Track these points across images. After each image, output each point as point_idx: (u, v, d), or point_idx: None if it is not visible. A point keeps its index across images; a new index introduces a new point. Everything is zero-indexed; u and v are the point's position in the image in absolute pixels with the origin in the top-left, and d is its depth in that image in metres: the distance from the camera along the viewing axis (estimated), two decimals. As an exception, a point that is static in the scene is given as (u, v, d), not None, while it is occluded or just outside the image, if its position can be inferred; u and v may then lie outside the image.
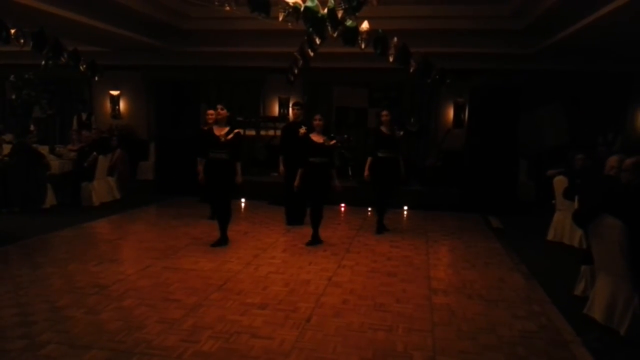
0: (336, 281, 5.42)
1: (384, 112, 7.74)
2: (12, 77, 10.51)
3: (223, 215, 6.82)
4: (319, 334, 4.04)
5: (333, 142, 6.97)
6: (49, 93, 11.42)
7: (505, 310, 4.71)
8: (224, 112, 6.57)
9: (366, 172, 7.68)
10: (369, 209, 9.92)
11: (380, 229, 7.88)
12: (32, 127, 11.13)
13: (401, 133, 7.74)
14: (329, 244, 7.04)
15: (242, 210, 9.76)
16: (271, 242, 7.09)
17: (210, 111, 7.19)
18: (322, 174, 6.89)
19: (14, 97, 10.70)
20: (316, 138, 6.90)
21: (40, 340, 3.79)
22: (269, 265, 5.95)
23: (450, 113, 12.06)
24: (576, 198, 6.25)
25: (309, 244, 6.92)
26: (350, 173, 11.33)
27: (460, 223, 8.82)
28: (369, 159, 7.68)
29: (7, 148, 9.44)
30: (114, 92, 13.29)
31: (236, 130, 6.62)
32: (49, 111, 11.67)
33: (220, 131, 6.52)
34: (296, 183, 6.96)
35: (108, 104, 13.43)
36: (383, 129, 7.66)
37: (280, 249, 6.79)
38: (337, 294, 5.00)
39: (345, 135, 10.91)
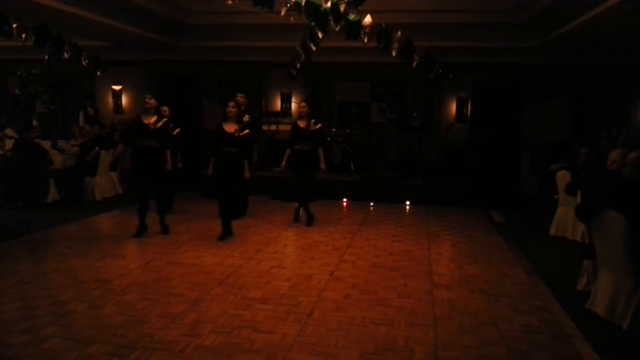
0: (338, 276, 5.43)
1: (302, 104, 7.82)
2: (19, 72, 10.52)
3: (162, 203, 7.05)
4: (321, 329, 4.05)
5: (245, 132, 6.75)
6: (51, 88, 11.43)
7: (507, 304, 4.71)
8: (152, 101, 6.78)
9: (282, 163, 7.76)
10: (371, 203, 9.94)
11: (297, 218, 7.93)
12: (34, 122, 11.15)
13: (317, 126, 7.67)
14: (331, 239, 7.05)
15: (245, 205, 9.75)
16: (273, 237, 7.10)
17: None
18: (232, 164, 6.72)
19: (18, 91, 10.70)
20: (228, 127, 6.73)
21: (43, 334, 3.81)
22: (271, 260, 5.96)
23: (453, 107, 12.02)
24: (579, 192, 6.24)
25: (220, 238, 6.82)
26: (352, 168, 11.34)
27: (463, 217, 8.81)
28: (287, 151, 7.75)
29: (9, 143, 9.46)
30: (116, 87, 13.29)
31: (165, 119, 6.82)
32: (51, 106, 11.68)
33: (149, 120, 6.69)
34: (209, 172, 6.90)
35: (110, 99, 13.43)
36: (300, 122, 7.69)
37: (282, 244, 6.79)
38: (339, 289, 5.01)
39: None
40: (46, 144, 9.66)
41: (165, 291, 4.81)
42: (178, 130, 8.14)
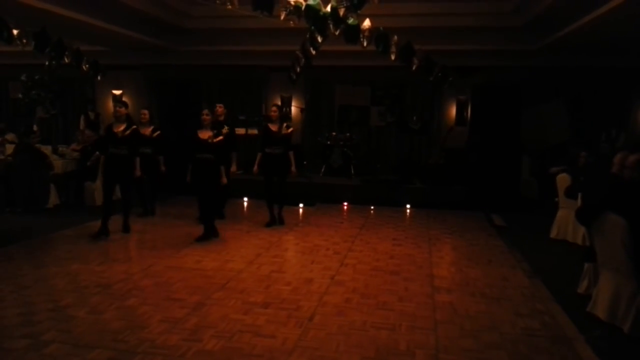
0: (339, 280, 5.42)
1: (273, 109, 7.91)
2: (23, 77, 10.55)
3: (127, 206, 7.27)
4: (322, 333, 4.04)
5: (219, 138, 6.88)
6: (52, 93, 11.42)
7: (508, 308, 4.71)
8: (122, 110, 7.00)
9: (255, 167, 7.84)
10: (372, 207, 9.94)
11: (272, 222, 7.96)
12: (35, 127, 11.16)
13: (289, 130, 7.80)
14: (332, 243, 7.04)
15: (245, 209, 9.76)
16: (274, 241, 7.09)
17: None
18: (206, 170, 6.85)
19: (20, 96, 10.73)
20: (202, 134, 6.88)
21: (44, 339, 3.80)
22: (271, 264, 5.96)
23: (453, 111, 12.01)
24: (579, 195, 6.24)
25: (199, 239, 6.89)
26: (352, 171, 11.34)
27: (463, 221, 8.80)
28: (259, 155, 7.84)
29: (10, 148, 9.47)
30: (117, 92, 13.30)
31: (133, 127, 7.03)
32: (52, 111, 11.67)
33: (118, 128, 6.89)
34: (187, 178, 7.05)
35: (111, 104, 13.42)
36: (271, 125, 7.77)
37: (282, 248, 6.79)
38: (339, 293, 5.01)
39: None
40: (47, 149, 9.67)
41: (166, 296, 4.81)
42: (157, 133, 8.28)
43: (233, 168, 7.32)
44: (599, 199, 4.47)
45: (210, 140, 6.79)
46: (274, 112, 7.82)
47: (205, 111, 6.99)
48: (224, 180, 7.01)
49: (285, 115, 12.21)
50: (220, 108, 8.20)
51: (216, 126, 7.13)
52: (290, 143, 7.86)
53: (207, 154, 6.81)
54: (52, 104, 11.22)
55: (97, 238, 6.91)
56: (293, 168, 7.81)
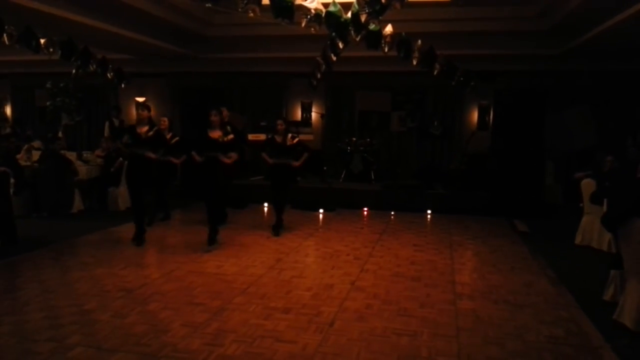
0: (359, 285, 5.40)
1: (279, 122, 8.07)
2: (48, 84, 10.78)
3: (141, 210, 7.14)
4: (343, 339, 4.02)
5: (230, 137, 7.00)
6: (77, 100, 11.64)
7: (532, 315, 4.63)
8: (144, 113, 7.05)
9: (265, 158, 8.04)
10: (392, 213, 9.89)
11: (277, 229, 7.96)
12: (60, 134, 11.37)
13: (294, 141, 7.98)
14: (352, 248, 7.02)
15: (265, 214, 9.79)
16: (294, 246, 7.10)
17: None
18: (217, 168, 6.94)
19: (48, 103, 10.96)
20: (213, 134, 6.99)
21: (68, 342, 3.86)
22: (292, 269, 5.96)
23: (475, 115, 11.93)
24: (605, 201, 6.13)
25: (210, 244, 6.89)
26: (373, 177, 11.31)
27: (486, 227, 8.70)
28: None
29: (36, 154, 9.67)
30: (140, 99, 13.48)
31: (156, 128, 7.10)
32: (76, 118, 11.89)
33: (142, 129, 6.96)
34: (195, 157, 7.16)
35: (134, 111, 13.61)
36: (277, 137, 7.91)
37: (303, 253, 6.79)
38: (360, 299, 4.98)
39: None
40: (71, 155, 9.85)
41: (187, 300, 4.84)
42: (176, 139, 8.57)
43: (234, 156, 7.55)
44: (626, 205, 4.38)
45: (221, 140, 6.95)
46: (280, 125, 7.97)
47: (214, 112, 7.11)
48: (230, 160, 7.03)
49: (305, 121, 12.37)
50: (224, 111, 8.42)
51: (224, 126, 7.31)
52: (304, 149, 8.01)
53: (218, 153, 6.94)
54: (76, 111, 11.44)
55: (135, 241, 6.95)
56: (297, 163, 7.86)
